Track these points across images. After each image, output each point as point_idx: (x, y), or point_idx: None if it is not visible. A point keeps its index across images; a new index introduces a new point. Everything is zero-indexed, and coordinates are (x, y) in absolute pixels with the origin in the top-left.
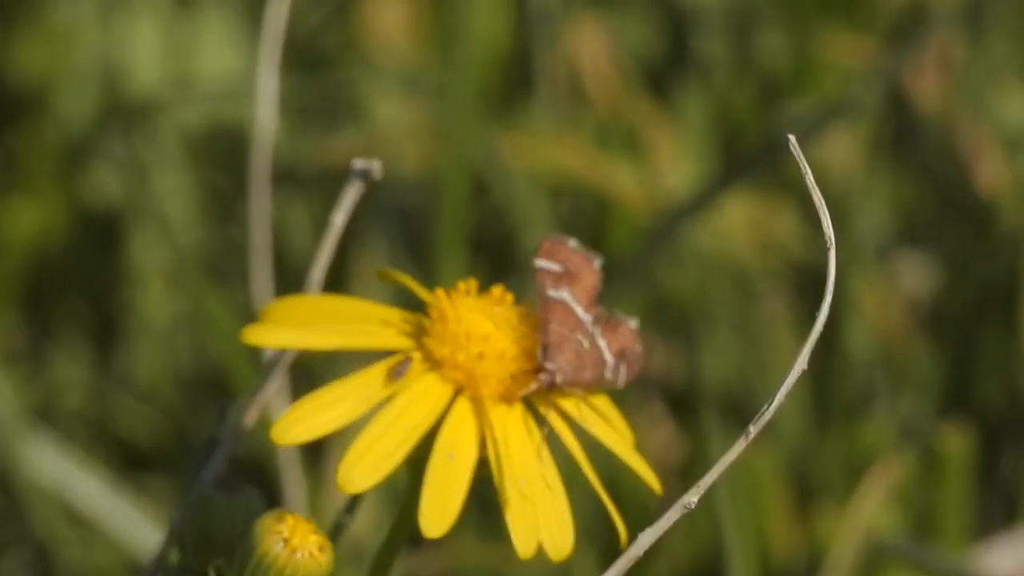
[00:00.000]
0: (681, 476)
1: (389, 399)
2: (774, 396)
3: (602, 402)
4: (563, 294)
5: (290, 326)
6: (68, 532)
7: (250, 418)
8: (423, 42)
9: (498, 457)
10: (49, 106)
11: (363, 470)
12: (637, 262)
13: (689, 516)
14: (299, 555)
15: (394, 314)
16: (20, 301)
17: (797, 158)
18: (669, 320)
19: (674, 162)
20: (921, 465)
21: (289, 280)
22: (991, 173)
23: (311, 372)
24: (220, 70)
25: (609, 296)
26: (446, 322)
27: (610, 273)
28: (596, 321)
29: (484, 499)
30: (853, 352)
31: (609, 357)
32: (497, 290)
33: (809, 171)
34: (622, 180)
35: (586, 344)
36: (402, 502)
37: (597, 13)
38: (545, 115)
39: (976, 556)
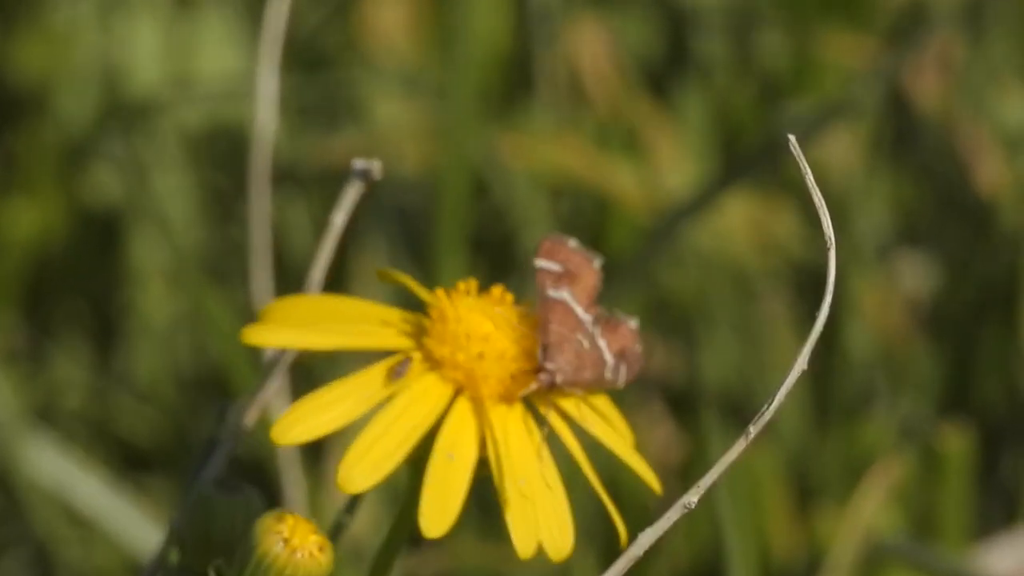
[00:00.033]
0: (681, 476)
1: (389, 399)
2: (774, 396)
3: (602, 402)
4: (563, 294)
5: (290, 326)
6: (68, 532)
7: (250, 418)
8: (423, 42)
9: (498, 457)
10: (49, 106)
11: (363, 470)
12: (637, 262)
13: (689, 516)
14: (299, 555)
15: (394, 314)
16: (20, 301)
17: (797, 158)
18: (669, 320)
19: (674, 162)
20: (921, 465)
21: (289, 280)
22: (991, 173)
23: (311, 372)
24: (220, 70)
25: (609, 296)
26: (446, 322)
27: (610, 273)
28: (596, 321)
29: (484, 499)
30: (853, 352)
31: (609, 357)
32: (497, 290)
33: (809, 171)
34: (622, 180)
35: (586, 344)
36: (402, 502)
37: (597, 13)
38: (545, 115)
39: (976, 556)
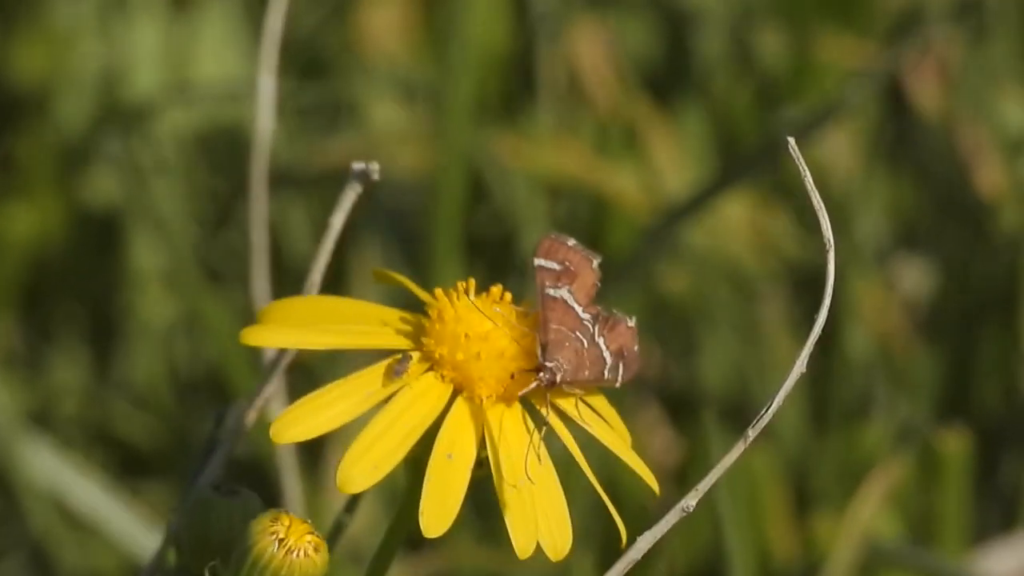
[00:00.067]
0: (680, 479)
1: (388, 399)
2: (773, 399)
3: (600, 402)
4: (562, 292)
5: (289, 326)
6: (66, 535)
7: (249, 419)
8: (420, 45)
9: (497, 457)
10: (48, 108)
11: (362, 470)
12: (636, 264)
13: (688, 519)
14: (294, 555)
15: (393, 314)
16: (18, 304)
17: (796, 160)
18: (668, 322)
19: (673, 163)
20: (920, 468)
21: (288, 282)
22: (990, 175)
23: (311, 372)
24: (218, 73)
25: (608, 298)
26: (445, 322)
27: (609, 275)
28: (595, 320)
29: (483, 499)
30: (852, 355)
31: (608, 356)
32: (496, 289)
33: (808, 173)
34: (621, 181)
35: (585, 343)
36: (401, 502)
37: (597, 14)
38: (545, 116)
39: (974, 560)
